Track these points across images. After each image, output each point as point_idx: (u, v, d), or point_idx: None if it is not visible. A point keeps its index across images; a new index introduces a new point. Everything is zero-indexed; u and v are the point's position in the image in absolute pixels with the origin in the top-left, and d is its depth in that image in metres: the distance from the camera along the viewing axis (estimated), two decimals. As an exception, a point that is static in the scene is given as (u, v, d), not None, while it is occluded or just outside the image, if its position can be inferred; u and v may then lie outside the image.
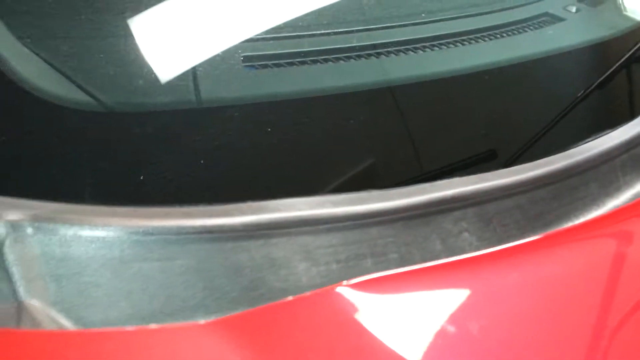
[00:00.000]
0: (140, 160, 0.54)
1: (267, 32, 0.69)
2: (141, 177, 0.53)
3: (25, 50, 0.54)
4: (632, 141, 0.80)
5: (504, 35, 0.87)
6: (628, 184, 0.79)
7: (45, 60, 0.53)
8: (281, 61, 0.68)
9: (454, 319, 0.51)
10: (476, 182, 0.66)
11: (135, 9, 0.59)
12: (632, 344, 0.55)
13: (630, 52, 0.84)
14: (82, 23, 0.55)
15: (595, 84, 0.84)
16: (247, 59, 0.67)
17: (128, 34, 0.59)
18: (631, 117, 0.83)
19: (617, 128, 0.81)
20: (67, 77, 0.54)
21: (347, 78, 0.67)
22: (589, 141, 0.79)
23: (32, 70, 0.52)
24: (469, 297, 0.53)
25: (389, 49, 0.70)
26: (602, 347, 0.54)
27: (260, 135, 0.59)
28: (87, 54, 0.55)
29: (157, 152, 0.55)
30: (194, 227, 0.51)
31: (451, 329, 0.49)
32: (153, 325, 0.47)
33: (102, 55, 0.56)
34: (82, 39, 0.56)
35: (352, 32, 0.73)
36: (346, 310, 0.49)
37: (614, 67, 0.86)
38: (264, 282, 0.54)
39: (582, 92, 0.83)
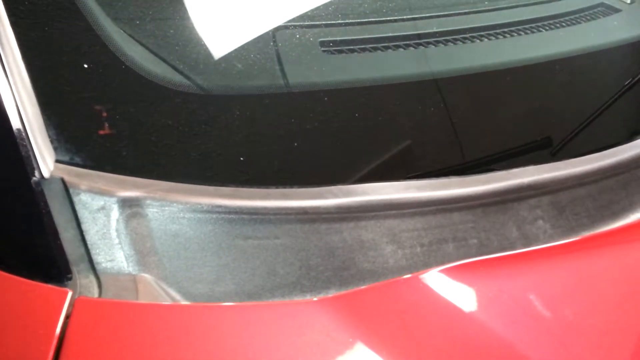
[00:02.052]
0: (240, 142, 0.56)
1: (343, 17, 0.70)
2: (242, 159, 0.55)
3: (137, 34, 0.56)
4: (693, 133, 0.80)
5: (560, 25, 0.87)
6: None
7: (151, 46, 0.55)
8: (361, 46, 0.69)
9: (541, 301, 0.52)
10: (551, 171, 0.67)
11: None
12: None
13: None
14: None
15: None
16: (324, 44, 0.68)
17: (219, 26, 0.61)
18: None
19: (678, 120, 0.81)
20: (171, 61, 0.56)
21: (425, 65, 0.67)
22: (654, 132, 0.79)
23: (142, 53, 0.54)
24: (556, 284, 0.55)
25: (466, 36, 0.71)
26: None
27: (350, 120, 0.60)
28: (191, 40, 0.57)
29: (255, 134, 0.57)
30: (292, 208, 0.53)
31: (542, 311, 0.51)
32: (267, 301, 0.49)
33: (202, 42, 0.58)
34: (187, 27, 0.58)
35: (425, 18, 0.74)
36: (444, 293, 0.51)
37: None
38: (354, 263, 0.56)
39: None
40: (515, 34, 0.80)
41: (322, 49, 0.68)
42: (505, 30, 0.79)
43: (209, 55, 0.58)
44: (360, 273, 0.56)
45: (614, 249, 0.65)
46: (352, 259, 0.56)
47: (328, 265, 0.55)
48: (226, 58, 0.58)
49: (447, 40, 0.70)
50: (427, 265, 0.59)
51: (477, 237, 0.62)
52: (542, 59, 0.81)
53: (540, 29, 0.84)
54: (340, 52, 0.69)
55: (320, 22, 0.69)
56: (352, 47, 0.69)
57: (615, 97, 0.80)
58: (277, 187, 0.54)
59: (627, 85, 0.81)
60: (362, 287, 0.52)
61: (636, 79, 0.81)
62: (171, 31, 0.56)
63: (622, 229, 0.69)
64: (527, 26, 0.80)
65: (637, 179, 0.74)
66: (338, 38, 0.69)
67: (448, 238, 0.61)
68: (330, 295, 0.51)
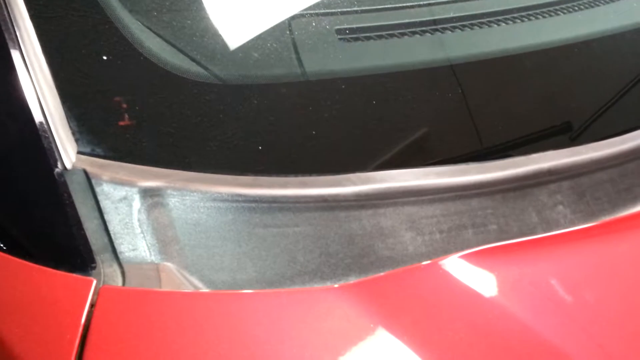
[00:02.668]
0: (259, 131, 0.56)
1: (359, 4, 0.70)
2: (260, 147, 0.55)
3: (153, 28, 0.56)
4: None
5: (578, 8, 0.85)
6: None
7: (169, 37, 0.55)
8: (378, 33, 0.69)
9: (567, 289, 0.52)
10: (571, 155, 0.67)
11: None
12: None
13: None
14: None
15: None
16: (340, 32, 0.68)
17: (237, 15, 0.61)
18: None
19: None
20: (188, 52, 0.56)
21: (442, 50, 0.67)
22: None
23: (159, 44, 0.55)
24: (580, 269, 0.54)
25: (482, 20, 0.70)
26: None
27: (367, 107, 0.60)
28: (207, 29, 0.57)
29: (273, 123, 0.57)
30: (311, 196, 0.53)
31: (565, 296, 0.51)
32: (289, 289, 0.49)
33: (216, 31, 0.58)
34: (203, 18, 0.58)
35: (441, 3, 0.74)
36: (464, 279, 0.51)
37: None
38: (374, 250, 0.56)
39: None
40: (533, 18, 0.79)
41: (339, 36, 0.68)
42: (523, 14, 0.78)
43: (225, 45, 0.58)
44: (380, 260, 0.56)
45: (635, 232, 0.64)
46: (372, 246, 0.56)
47: (347, 253, 0.55)
48: (243, 48, 0.58)
49: (464, 26, 0.70)
50: (446, 251, 0.59)
51: (497, 223, 0.62)
52: (560, 43, 0.80)
53: (558, 12, 0.83)
54: (357, 39, 0.68)
55: (336, 10, 0.69)
56: (368, 34, 0.69)
57: (636, 80, 0.79)
58: (295, 176, 0.55)
59: None
60: (383, 273, 0.52)
61: None
62: (188, 22, 0.57)
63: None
64: (544, 9, 0.79)
65: (657, 163, 0.73)
66: (354, 25, 0.69)
67: (467, 224, 0.61)
68: (351, 282, 0.51)
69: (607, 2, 0.87)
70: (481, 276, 0.51)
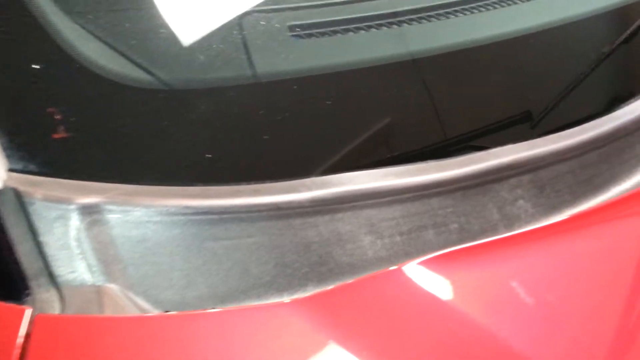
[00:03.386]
0: (206, 138, 0.53)
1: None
2: (209, 156, 0.52)
3: (90, 27, 0.52)
4: (675, 100, 0.79)
5: None
6: (672, 144, 0.79)
7: (107, 40, 0.52)
8: (327, 29, 0.66)
9: (527, 289, 0.51)
10: (530, 148, 0.65)
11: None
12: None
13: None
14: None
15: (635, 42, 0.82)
16: (293, 28, 0.65)
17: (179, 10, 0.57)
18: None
19: (659, 88, 0.80)
20: (129, 56, 0.53)
21: (398, 45, 0.65)
22: (632, 102, 0.77)
23: (95, 48, 0.51)
24: (539, 269, 0.53)
25: (438, 12, 0.68)
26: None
27: (321, 108, 0.58)
28: (148, 32, 0.54)
29: (221, 129, 0.54)
30: (263, 205, 0.51)
31: (527, 299, 0.50)
32: (239, 306, 0.47)
33: (162, 33, 0.55)
34: (144, 17, 0.55)
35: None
36: (424, 286, 0.49)
37: None
38: (332, 257, 0.54)
39: (621, 52, 0.81)
40: (491, 8, 0.77)
41: (291, 33, 0.65)
42: (480, 4, 0.76)
43: (170, 47, 0.55)
44: (339, 267, 0.54)
45: (597, 228, 0.64)
46: (330, 253, 0.54)
47: (304, 262, 0.53)
48: (189, 50, 0.55)
49: (420, 18, 0.68)
50: (407, 254, 0.57)
51: (458, 221, 0.60)
52: (514, 34, 0.79)
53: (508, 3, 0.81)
54: (310, 35, 0.66)
55: (288, 5, 0.66)
56: (322, 30, 0.66)
57: (594, 67, 0.78)
58: (248, 183, 0.52)
59: (604, 55, 0.79)
60: (339, 284, 0.50)
61: (612, 48, 0.79)
62: (128, 24, 0.53)
63: (604, 206, 0.68)
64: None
65: (618, 151, 0.73)
66: (307, 21, 0.66)
67: (428, 225, 0.59)
68: (304, 296, 0.48)
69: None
70: (442, 282, 0.49)
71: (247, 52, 0.58)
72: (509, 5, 0.77)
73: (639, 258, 0.59)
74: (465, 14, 0.73)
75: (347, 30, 0.67)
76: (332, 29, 0.67)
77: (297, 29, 0.65)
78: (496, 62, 0.72)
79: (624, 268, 0.57)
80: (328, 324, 0.44)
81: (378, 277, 0.49)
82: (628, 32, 0.82)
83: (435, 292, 0.48)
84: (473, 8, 0.72)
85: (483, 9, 0.74)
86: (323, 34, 0.67)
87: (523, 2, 0.80)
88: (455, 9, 0.71)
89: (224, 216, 0.50)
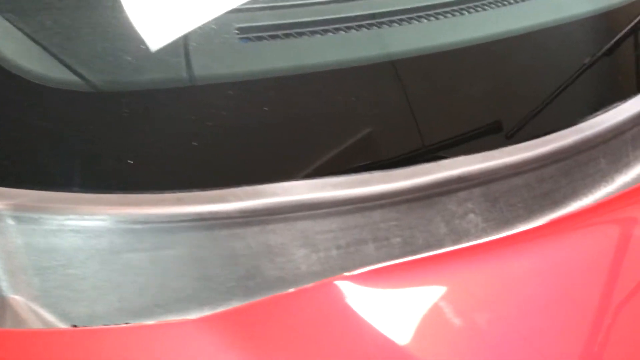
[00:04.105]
0: (129, 143, 0.51)
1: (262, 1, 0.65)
2: (130, 162, 0.50)
3: (6, 24, 0.50)
4: (643, 114, 0.77)
5: (510, 2, 0.82)
6: (638, 159, 0.77)
7: (27, 36, 0.49)
8: (279, 32, 0.64)
9: (459, 310, 0.48)
10: (483, 161, 0.63)
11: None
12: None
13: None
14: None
15: (602, 51, 0.79)
16: (242, 30, 0.63)
17: (115, 6, 0.55)
18: (641, 88, 0.79)
19: (628, 100, 0.78)
20: (51, 54, 0.50)
21: (348, 51, 0.63)
22: (599, 115, 0.75)
23: (12, 47, 0.49)
24: (475, 287, 0.51)
25: (390, 19, 0.66)
26: (613, 339, 0.52)
27: (257, 113, 0.56)
28: (72, 28, 0.51)
29: (147, 134, 0.52)
30: (186, 214, 0.49)
31: (457, 321, 0.47)
32: (144, 323, 0.44)
33: (88, 30, 0.52)
34: (66, 11, 0.52)
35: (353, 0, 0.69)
36: (348, 304, 0.47)
37: (623, 33, 0.82)
38: (260, 271, 0.51)
39: (589, 61, 0.79)
40: (453, 15, 0.75)
41: (240, 36, 0.63)
42: (444, 10, 0.74)
43: (95, 46, 0.53)
44: (268, 281, 0.52)
45: (547, 242, 0.61)
46: (258, 267, 0.51)
47: (230, 275, 0.50)
48: (118, 50, 0.53)
49: (370, 24, 0.65)
50: (344, 268, 0.55)
51: (401, 235, 0.58)
52: (482, 39, 0.77)
53: (482, 8, 0.79)
54: (261, 39, 0.64)
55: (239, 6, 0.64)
56: (267, 33, 0.64)
57: (575, 77, 0.75)
58: (172, 192, 0.50)
59: (585, 66, 0.77)
60: (252, 301, 0.48)
61: (593, 59, 0.77)
62: (49, 21, 0.51)
63: (562, 219, 0.66)
64: (460, 7, 0.76)
65: (580, 165, 0.70)
66: (255, 24, 0.64)
67: (368, 238, 0.57)
68: (216, 313, 0.46)
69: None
70: (368, 300, 0.47)
71: (184, 54, 0.56)
72: (467, 13, 0.75)
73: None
74: (423, 20, 0.71)
75: (302, 34, 0.65)
76: (285, 32, 0.64)
77: (246, 32, 0.63)
78: (450, 70, 0.70)
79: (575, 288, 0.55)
80: (239, 343, 0.42)
81: (300, 293, 0.47)
82: (610, 44, 0.80)
83: (358, 310, 0.46)
84: (430, 15, 0.70)
85: (441, 16, 0.72)
86: (275, 37, 0.64)
87: (477, 11, 0.78)
88: (410, 15, 0.69)
89: (143, 226, 0.47)
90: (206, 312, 0.48)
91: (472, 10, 0.72)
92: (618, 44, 0.81)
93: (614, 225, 0.65)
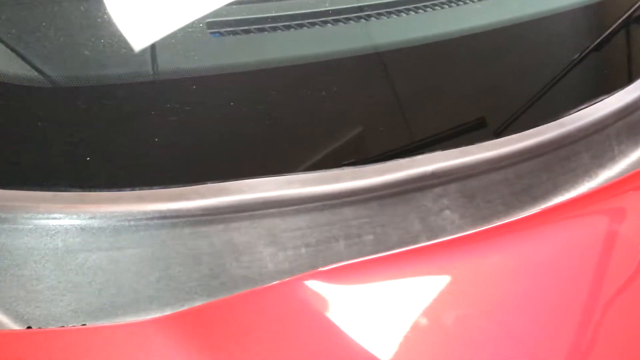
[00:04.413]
0: (87, 139, 0.49)
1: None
2: (88, 158, 0.49)
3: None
4: (628, 108, 0.76)
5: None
6: (623, 154, 0.75)
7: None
8: (251, 27, 0.63)
9: (431, 309, 0.47)
10: (459, 156, 0.62)
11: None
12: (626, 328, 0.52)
13: (627, 13, 0.78)
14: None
15: (590, 48, 0.78)
16: (211, 25, 0.62)
17: None
18: (627, 82, 0.78)
19: (613, 94, 0.76)
20: (9, 48, 0.49)
21: (319, 45, 0.61)
22: (582, 109, 0.74)
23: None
24: (447, 285, 0.49)
25: (366, 13, 0.65)
26: (592, 332, 0.51)
27: (223, 109, 0.54)
28: (28, 20, 0.50)
29: (106, 130, 0.51)
30: (147, 212, 0.47)
31: (428, 320, 0.46)
32: (102, 324, 0.43)
33: (47, 24, 0.51)
34: (23, 5, 0.51)
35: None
36: (314, 302, 0.45)
37: (610, 29, 0.80)
38: (225, 270, 0.50)
39: (574, 56, 0.78)
40: (430, 9, 0.74)
41: (210, 30, 0.61)
42: (421, 4, 0.72)
43: (55, 42, 0.51)
44: (233, 280, 0.50)
45: (526, 235, 0.60)
46: (222, 266, 0.50)
47: (193, 275, 0.49)
48: (77, 44, 0.51)
49: (336, 20, 0.64)
50: (313, 266, 0.54)
51: (373, 232, 0.57)
52: (463, 32, 0.76)
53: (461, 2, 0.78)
54: (234, 33, 0.62)
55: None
56: (236, 28, 0.62)
57: (563, 73, 0.74)
58: (132, 189, 0.48)
59: (573, 62, 0.76)
60: (213, 300, 0.46)
61: (582, 55, 0.76)
62: (5, 15, 0.49)
63: (542, 213, 0.64)
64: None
65: (561, 160, 0.69)
66: (225, 18, 0.62)
67: (339, 236, 0.55)
68: (174, 312, 0.45)
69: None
70: (333, 299, 0.46)
71: (148, 48, 0.55)
72: (446, 7, 0.74)
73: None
74: (392, 15, 0.69)
75: (274, 29, 0.63)
76: (257, 26, 0.63)
77: (216, 26, 0.62)
78: (427, 64, 0.69)
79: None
80: (198, 342, 0.40)
81: (264, 291, 0.46)
82: (599, 40, 0.79)
83: (329, 307, 0.45)
84: (401, 11, 0.69)
85: (412, 12, 0.70)
86: (247, 32, 0.63)
87: (462, 4, 0.76)
88: (384, 10, 0.68)
89: (101, 224, 0.46)
90: (167, 313, 0.47)
91: (437, 7, 0.70)
92: (606, 38, 0.80)
93: (602, 216, 0.64)
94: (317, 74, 0.61)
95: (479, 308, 0.49)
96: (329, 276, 0.50)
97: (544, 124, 0.69)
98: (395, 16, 0.66)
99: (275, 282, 0.50)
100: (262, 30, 0.63)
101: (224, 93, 0.56)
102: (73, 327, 0.44)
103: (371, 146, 0.62)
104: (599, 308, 0.52)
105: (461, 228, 0.61)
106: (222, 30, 0.62)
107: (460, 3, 0.72)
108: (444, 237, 0.60)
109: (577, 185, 0.69)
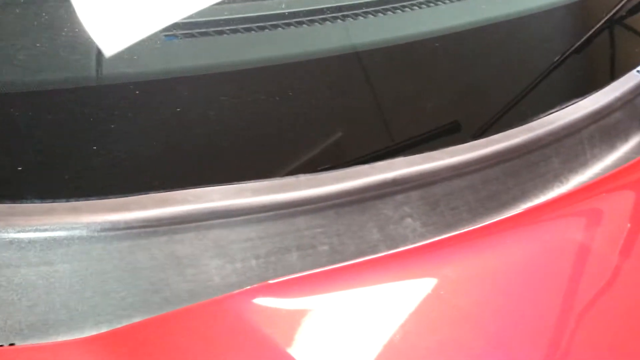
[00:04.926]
0: (18, 147, 0.47)
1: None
2: (19, 168, 0.46)
3: None
4: (602, 111, 0.74)
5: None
6: (596, 158, 0.73)
7: None
8: (208, 30, 0.61)
9: (389, 323, 0.45)
10: (422, 162, 0.60)
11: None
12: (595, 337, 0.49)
13: (607, 16, 0.77)
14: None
15: (566, 50, 0.77)
16: (167, 28, 0.59)
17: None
18: (602, 84, 0.76)
19: (586, 97, 0.75)
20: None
21: (272, 48, 0.59)
22: (553, 112, 0.72)
23: None
24: (406, 297, 0.47)
25: (314, 17, 0.62)
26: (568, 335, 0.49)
27: (168, 114, 0.52)
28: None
29: (40, 137, 0.48)
30: (81, 224, 0.45)
31: (386, 335, 0.43)
32: (31, 344, 0.40)
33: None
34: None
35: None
36: (262, 318, 0.43)
37: (590, 33, 0.79)
38: (168, 284, 0.47)
39: (548, 59, 0.77)
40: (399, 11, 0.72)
41: (164, 34, 0.59)
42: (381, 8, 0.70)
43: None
44: (176, 295, 0.48)
45: (494, 241, 0.58)
46: (165, 280, 0.48)
47: (132, 290, 0.46)
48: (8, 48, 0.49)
49: (287, 24, 0.62)
50: (263, 279, 0.51)
51: (329, 242, 0.54)
52: (432, 34, 0.74)
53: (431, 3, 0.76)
54: (190, 36, 0.60)
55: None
56: (193, 30, 0.60)
57: (542, 77, 0.72)
58: (66, 201, 0.46)
59: (553, 65, 0.74)
60: (147, 318, 0.44)
61: (562, 57, 0.74)
62: None
63: (509, 219, 0.62)
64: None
65: (529, 165, 0.67)
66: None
67: (291, 246, 0.53)
68: (104, 332, 0.42)
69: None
70: (287, 312, 0.43)
71: (85, 52, 0.52)
72: (416, 9, 0.72)
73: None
74: (349, 19, 0.67)
75: (206, 34, 0.60)
76: (201, 30, 0.61)
77: (171, 29, 0.59)
78: (387, 68, 0.67)
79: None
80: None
81: (207, 305, 0.43)
82: (579, 43, 0.77)
83: (274, 324, 0.42)
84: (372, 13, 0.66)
85: (360, 17, 0.68)
86: (205, 34, 0.61)
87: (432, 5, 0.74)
88: (349, 13, 0.65)
89: (31, 238, 0.44)
90: (103, 331, 0.44)
91: (398, 10, 0.68)
92: (582, 40, 0.79)
93: (572, 219, 0.62)
94: (270, 77, 0.58)
95: (438, 321, 0.46)
96: (280, 289, 0.48)
97: (513, 128, 0.67)
98: (351, 19, 0.64)
99: (221, 296, 0.47)
100: (220, 33, 0.60)
101: (169, 98, 0.53)
102: (1, 347, 0.41)
103: (329, 152, 0.60)
104: (574, 312, 0.50)
105: (423, 236, 0.59)
106: (178, 33, 0.60)
107: (424, 6, 0.71)
108: (405, 246, 0.58)
109: (546, 191, 0.68)
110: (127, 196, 0.47)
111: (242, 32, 0.62)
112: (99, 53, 0.54)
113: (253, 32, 0.61)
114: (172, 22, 0.58)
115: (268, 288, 0.48)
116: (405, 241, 0.58)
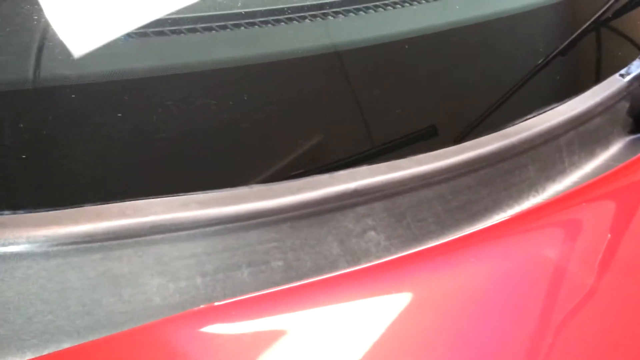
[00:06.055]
0: None
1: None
2: None
3: None
4: (581, 117, 0.71)
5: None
6: (575, 166, 0.70)
7: None
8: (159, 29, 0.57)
9: (350, 345, 0.41)
10: (386, 172, 0.56)
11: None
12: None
13: (591, 19, 0.74)
14: None
15: (551, 55, 0.74)
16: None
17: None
18: (581, 89, 0.73)
19: (564, 102, 0.72)
20: None
21: (223, 49, 0.55)
22: (529, 118, 0.69)
23: None
24: (368, 317, 0.43)
25: (277, 17, 0.59)
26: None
27: (104, 119, 0.48)
28: None
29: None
30: (4, 240, 0.41)
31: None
32: None
33: None
34: None
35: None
36: (206, 343, 0.39)
37: (573, 36, 0.76)
38: (101, 306, 0.44)
39: (525, 63, 0.74)
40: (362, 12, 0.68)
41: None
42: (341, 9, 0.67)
43: None
44: (110, 318, 0.44)
45: (465, 254, 0.54)
46: (97, 302, 0.44)
47: (60, 313, 0.42)
48: None
49: (251, 24, 0.58)
50: (210, 299, 0.47)
51: (283, 258, 0.51)
52: (403, 35, 0.70)
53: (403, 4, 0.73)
54: (145, 35, 0.56)
55: None
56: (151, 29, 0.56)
57: (524, 81, 0.69)
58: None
59: (537, 67, 0.71)
60: (88, 341, 0.40)
61: (545, 60, 0.71)
62: None
63: (482, 231, 0.59)
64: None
65: (503, 174, 0.63)
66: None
67: (242, 263, 0.49)
68: (37, 357, 0.38)
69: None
70: (231, 338, 0.39)
71: (39, 51, 0.48)
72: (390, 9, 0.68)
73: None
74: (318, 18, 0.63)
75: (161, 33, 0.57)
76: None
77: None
78: (353, 69, 0.63)
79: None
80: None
81: (142, 331, 0.40)
82: (561, 47, 0.74)
83: (220, 350, 0.38)
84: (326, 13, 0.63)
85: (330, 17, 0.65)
86: (161, 34, 0.57)
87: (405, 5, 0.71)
88: (311, 13, 0.62)
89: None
90: (27, 358, 0.41)
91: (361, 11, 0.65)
92: (560, 45, 0.76)
93: (549, 230, 0.59)
94: (219, 80, 0.55)
95: (405, 343, 0.43)
96: (228, 311, 0.44)
97: (487, 134, 0.64)
98: (309, 21, 0.60)
99: (161, 319, 0.43)
100: (167, 33, 0.56)
101: (108, 102, 0.49)
102: None
103: (286, 161, 0.56)
104: (550, 328, 0.47)
105: (388, 250, 0.55)
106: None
107: (389, 8, 0.67)
108: (368, 261, 0.54)
109: (520, 201, 0.64)
110: (57, 209, 0.43)
111: (201, 32, 0.58)
112: (39, 53, 0.50)
113: (214, 31, 0.58)
114: (146, 21, 0.55)
115: (215, 310, 0.44)
116: (368, 256, 0.54)
